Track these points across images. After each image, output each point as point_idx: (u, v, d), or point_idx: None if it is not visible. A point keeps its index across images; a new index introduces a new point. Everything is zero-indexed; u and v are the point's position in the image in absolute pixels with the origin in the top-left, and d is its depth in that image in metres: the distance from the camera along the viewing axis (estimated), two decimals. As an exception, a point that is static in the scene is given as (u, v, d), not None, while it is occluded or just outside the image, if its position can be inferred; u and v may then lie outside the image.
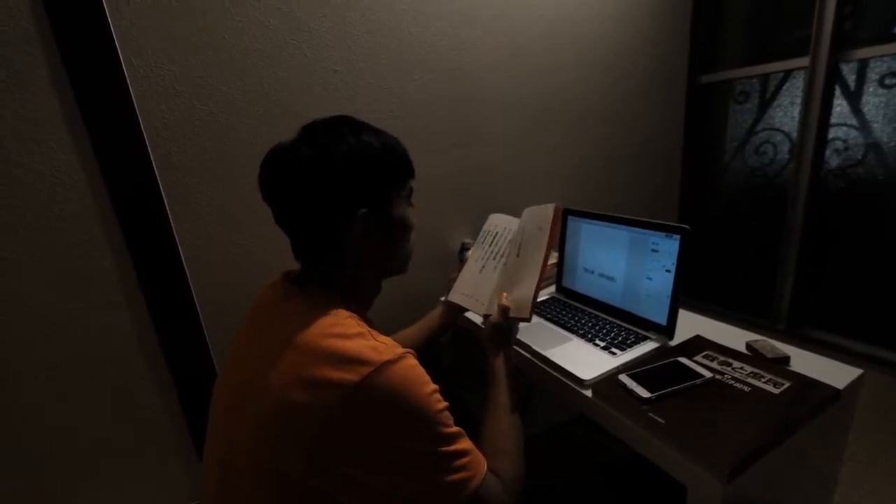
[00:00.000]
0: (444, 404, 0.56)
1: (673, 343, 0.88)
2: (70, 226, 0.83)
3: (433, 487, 0.54)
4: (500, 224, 0.98)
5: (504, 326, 0.79)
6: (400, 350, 0.54)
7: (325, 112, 0.98)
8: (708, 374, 0.73)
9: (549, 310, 1.07)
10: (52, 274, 0.82)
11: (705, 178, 1.85)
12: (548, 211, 0.83)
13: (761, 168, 1.69)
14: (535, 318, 1.04)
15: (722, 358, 0.80)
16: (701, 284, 1.91)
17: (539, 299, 1.13)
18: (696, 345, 0.86)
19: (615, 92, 1.55)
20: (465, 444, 0.57)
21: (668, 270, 0.88)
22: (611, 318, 0.99)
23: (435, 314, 1.01)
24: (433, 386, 0.56)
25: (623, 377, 0.75)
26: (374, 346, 0.53)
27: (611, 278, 1.01)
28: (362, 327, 0.56)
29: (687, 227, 0.84)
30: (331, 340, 0.53)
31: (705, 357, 0.81)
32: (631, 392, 0.71)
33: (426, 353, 1.03)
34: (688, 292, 1.94)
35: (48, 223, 0.81)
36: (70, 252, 0.83)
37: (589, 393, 0.76)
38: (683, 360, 0.78)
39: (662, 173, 1.81)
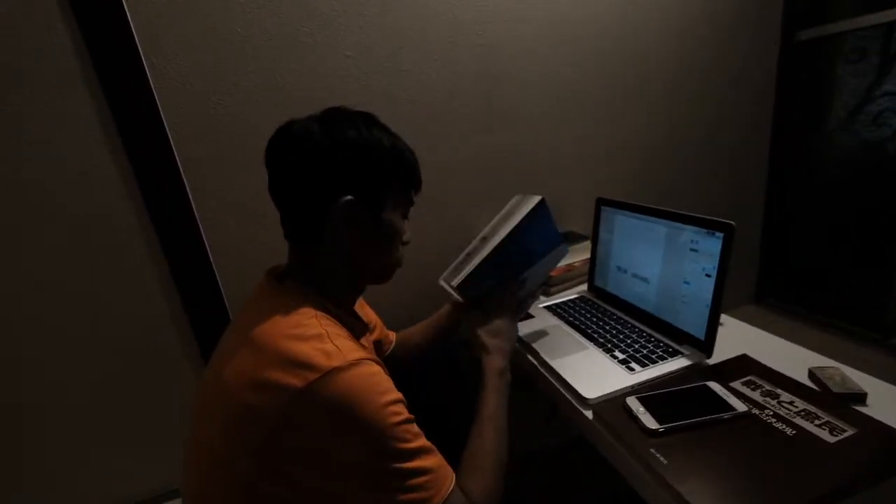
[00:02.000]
0: (401, 417, 0.51)
1: (711, 361, 0.73)
2: (105, 216, 0.91)
3: (397, 492, 0.50)
4: (507, 206, 0.89)
5: (492, 323, 0.73)
6: (355, 356, 0.51)
7: (338, 100, 0.98)
8: (741, 408, 0.59)
9: (571, 311, 0.96)
10: (90, 260, 0.91)
11: (801, 158, 1.53)
12: (530, 202, 0.73)
13: (880, 143, 1.35)
14: (552, 320, 0.94)
15: (768, 387, 0.64)
16: (795, 284, 1.61)
17: (565, 298, 1.02)
18: (740, 366, 0.70)
19: (678, 60, 1.32)
20: (428, 461, 0.53)
21: (707, 275, 0.73)
22: (640, 326, 0.86)
23: (442, 312, 0.96)
24: (392, 397, 0.52)
25: (631, 400, 0.64)
26: (327, 350, 0.50)
27: (644, 280, 0.88)
28: (324, 329, 0.53)
29: (731, 223, 0.68)
30: (285, 342, 0.51)
31: (746, 384, 0.66)
32: (636, 419, 0.60)
33: (443, 351, 1.00)
34: (776, 293, 1.65)
35: (87, 212, 0.89)
36: (107, 240, 0.92)
37: (589, 414, 0.66)
38: (714, 385, 0.65)
39: (742, 158, 1.54)
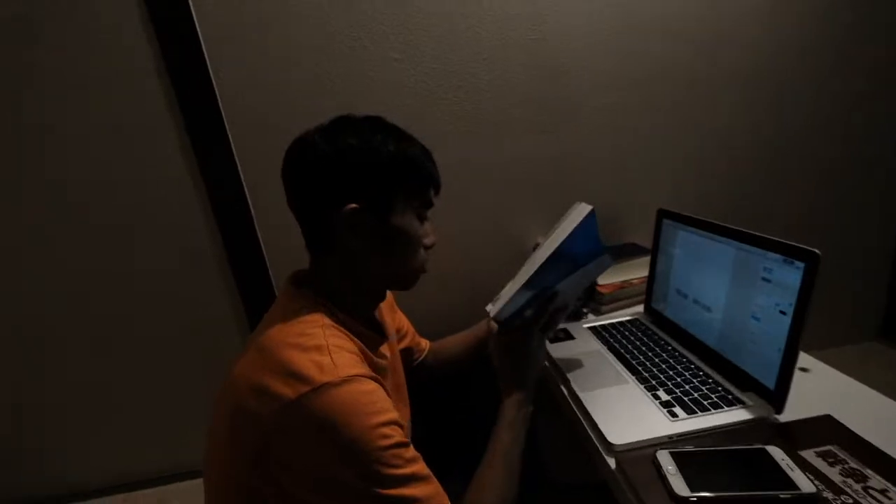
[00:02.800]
0: (391, 441, 0.49)
1: (780, 418, 0.60)
2: (177, 207, 1.01)
3: None
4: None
5: (515, 345, 0.67)
6: (349, 372, 0.49)
7: (384, 105, 0.98)
8: (808, 487, 0.47)
9: (618, 335, 0.86)
10: (162, 243, 1.03)
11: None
12: (577, 214, 0.64)
13: None
14: (594, 344, 0.85)
15: (853, 464, 0.50)
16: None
17: (616, 319, 0.92)
18: (820, 430, 0.56)
19: (771, 50, 1.12)
20: (418, 490, 0.49)
21: (782, 312, 0.59)
22: (697, 362, 0.73)
23: (481, 324, 0.92)
24: (384, 418, 0.49)
25: (662, 454, 0.54)
26: (322, 364, 0.49)
27: (707, 308, 0.75)
28: (326, 340, 0.53)
29: (815, 251, 0.55)
30: (286, 350, 0.51)
31: (823, 455, 0.52)
32: (664, 479, 0.51)
33: (480, 365, 0.96)
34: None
35: (164, 202, 1.01)
36: (177, 226, 1.03)
37: (612, 462, 0.57)
38: (776, 451, 0.52)
39: (864, 169, 1.26)
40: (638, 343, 0.82)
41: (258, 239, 1.04)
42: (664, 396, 0.66)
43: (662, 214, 0.87)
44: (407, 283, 0.66)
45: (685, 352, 0.77)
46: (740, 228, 0.67)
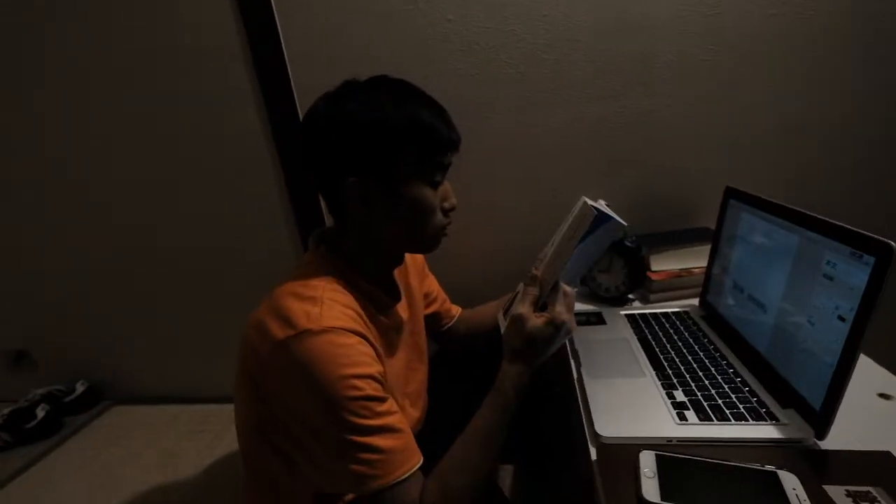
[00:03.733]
0: (360, 393, 0.51)
1: (823, 444, 0.49)
2: (253, 170, 1.15)
3: (332, 467, 0.53)
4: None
5: (525, 323, 0.59)
6: (331, 324, 0.52)
7: (434, 69, 0.97)
8: (811, 526, 0.38)
9: (657, 327, 0.77)
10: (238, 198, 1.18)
11: None
12: (583, 221, 0.57)
13: None
14: (625, 331, 0.77)
15: (895, 514, 0.40)
16: None
17: (664, 309, 0.82)
18: (869, 467, 0.45)
19: None
20: (384, 441, 0.52)
21: (841, 318, 0.47)
22: (738, 368, 0.63)
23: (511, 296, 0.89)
24: (356, 370, 0.51)
25: (646, 455, 0.48)
26: (311, 312, 0.52)
27: (762, 307, 0.63)
28: (323, 293, 0.56)
29: (890, 243, 0.42)
30: (287, 297, 0.55)
31: (856, 495, 0.42)
32: (637, 480, 0.46)
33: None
34: None
35: (243, 164, 1.15)
36: (253, 187, 1.17)
37: (594, 454, 0.53)
38: (788, 478, 0.43)
39: None
40: (676, 338, 0.73)
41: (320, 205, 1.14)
42: (680, 397, 0.58)
43: (729, 193, 0.74)
44: (426, 248, 0.65)
45: (729, 354, 0.66)
46: (807, 212, 0.54)
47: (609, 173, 1.03)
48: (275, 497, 0.63)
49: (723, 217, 0.75)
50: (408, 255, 0.78)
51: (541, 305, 0.60)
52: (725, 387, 0.59)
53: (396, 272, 0.73)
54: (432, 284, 0.91)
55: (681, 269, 0.88)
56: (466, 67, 0.98)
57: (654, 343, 0.72)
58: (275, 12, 0.99)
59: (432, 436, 0.63)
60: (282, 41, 1.01)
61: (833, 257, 0.49)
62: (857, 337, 0.45)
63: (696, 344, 0.70)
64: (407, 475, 0.53)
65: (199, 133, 1.14)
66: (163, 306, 1.37)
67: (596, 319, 0.83)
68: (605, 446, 0.53)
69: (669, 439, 0.52)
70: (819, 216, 0.52)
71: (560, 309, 0.58)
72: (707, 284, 0.80)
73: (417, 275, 0.84)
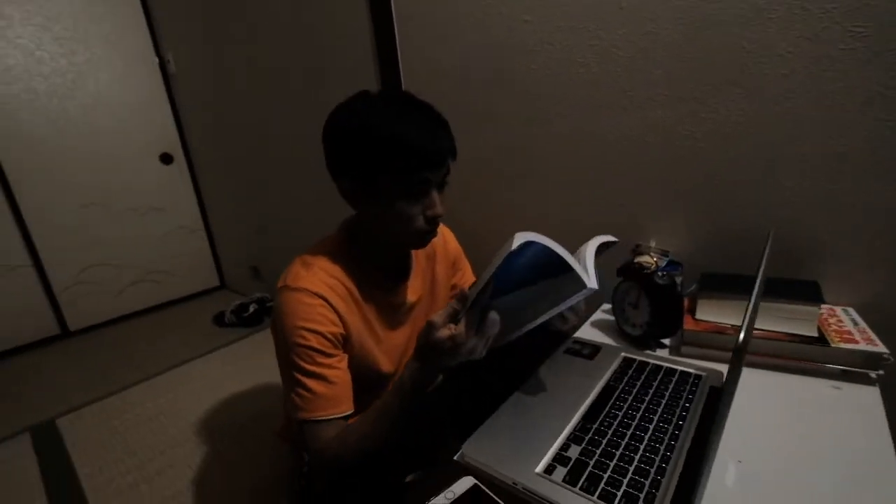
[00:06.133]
0: (307, 343, 0.65)
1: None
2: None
3: (285, 392, 0.68)
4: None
5: (438, 341, 0.56)
6: (303, 284, 0.67)
7: (507, 72, 1.00)
8: None
9: (647, 383, 0.64)
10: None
11: None
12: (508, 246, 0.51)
13: None
14: (604, 372, 0.68)
15: None
16: None
17: (684, 368, 0.69)
18: None
19: None
20: (315, 385, 0.65)
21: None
22: (677, 451, 0.50)
23: None
24: (309, 325, 0.65)
25: (465, 480, 0.48)
26: (298, 274, 0.69)
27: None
28: (316, 261, 0.71)
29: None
30: (298, 260, 0.73)
31: None
32: (436, 494, 0.47)
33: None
34: None
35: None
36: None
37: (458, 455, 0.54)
38: None
39: None
40: (649, 399, 0.60)
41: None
42: (572, 453, 0.52)
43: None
44: (410, 247, 0.74)
45: (688, 432, 0.52)
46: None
47: (684, 190, 0.85)
48: (286, 414, 0.85)
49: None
50: (439, 246, 0.87)
51: (457, 320, 0.57)
52: (632, 465, 0.49)
53: (419, 258, 0.82)
54: (464, 279, 0.95)
55: (731, 325, 0.69)
56: (539, 67, 0.96)
57: (617, 394, 0.62)
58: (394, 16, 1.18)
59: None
60: (396, 40, 1.19)
61: None
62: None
63: (665, 413, 0.57)
64: (325, 418, 0.65)
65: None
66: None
67: (588, 353, 0.74)
68: (458, 462, 0.54)
69: (515, 482, 0.49)
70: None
71: (464, 330, 0.55)
72: (736, 351, 0.61)
73: (448, 266, 0.90)
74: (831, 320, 0.66)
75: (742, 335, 0.30)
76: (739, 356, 0.31)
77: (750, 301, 0.36)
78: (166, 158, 2.43)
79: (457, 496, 0.46)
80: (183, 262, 2.60)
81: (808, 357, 0.61)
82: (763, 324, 0.67)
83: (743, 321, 0.33)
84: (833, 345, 0.61)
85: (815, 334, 0.63)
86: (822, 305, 0.70)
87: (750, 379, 0.63)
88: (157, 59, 2.35)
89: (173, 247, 2.55)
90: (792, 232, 0.75)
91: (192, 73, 2.18)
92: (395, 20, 1.17)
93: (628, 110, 0.87)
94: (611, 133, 0.90)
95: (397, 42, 1.18)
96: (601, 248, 0.64)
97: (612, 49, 0.85)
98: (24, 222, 2.08)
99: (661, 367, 0.67)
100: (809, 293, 0.66)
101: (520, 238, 0.50)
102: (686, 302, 0.79)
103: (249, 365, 1.74)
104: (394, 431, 0.63)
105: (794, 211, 0.74)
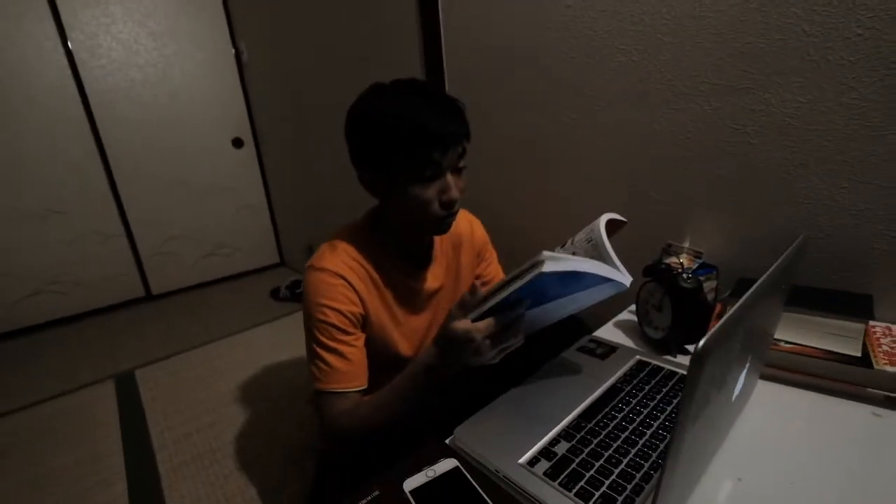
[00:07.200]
0: (326, 319, 0.70)
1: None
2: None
3: (308, 361, 0.73)
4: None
5: (453, 332, 0.56)
6: (326, 265, 0.72)
7: (550, 60, 0.98)
8: None
9: (654, 387, 0.62)
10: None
11: None
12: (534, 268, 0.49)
13: None
14: (612, 373, 0.66)
15: None
16: None
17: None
18: None
19: None
20: (331, 359, 0.70)
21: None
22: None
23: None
24: (328, 303, 0.70)
25: (447, 461, 0.49)
26: (323, 254, 0.74)
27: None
28: (340, 244, 0.75)
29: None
30: (327, 242, 0.78)
31: None
32: (418, 471, 0.49)
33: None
34: None
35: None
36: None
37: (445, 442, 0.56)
38: None
39: None
40: (651, 401, 0.58)
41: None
42: (559, 449, 0.51)
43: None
44: (429, 233, 0.76)
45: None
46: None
47: (726, 188, 0.79)
48: None
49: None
50: (466, 235, 0.88)
51: (476, 317, 0.56)
52: (617, 468, 0.48)
53: (443, 246, 0.84)
54: (489, 269, 0.95)
55: (816, 349, 0.63)
56: (580, 56, 0.93)
57: (621, 397, 0.60)
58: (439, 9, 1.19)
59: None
60: (441, 25, 1.21)
61: None
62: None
63: (668, 420, 0.55)
64: (339, 391, 0.70)
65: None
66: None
67: (601, 353, 0.72)
68: (448, 446, 0.55)
69: (497, 469, 0.50)
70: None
71: (481, 327, 0.54)
72: (759, 364, 0.57)
73: (474, 256, 0.91)
74: (883, 340, 0.59)
75: (705, 339, 0.28)
76: (699, 363, 0.29)
77: (737, 303, 0.33)
78: (238, 143, 2.64)
79: (437, 475, 0.48)
80: (248, 239, 2.83)
81: (846, 378, 0.55)
82: (799, 337, 0.61)
83: (721, 321, 0.31)
84: (877, 367, 0.54)
85: (858, 354, 0.56)
86: (877, 323, 0.62)
87: (774, 394, 0.58)
88: (233, 50, 2.54)
89: (241, 224, 2.78)
90: (847, 239, 0.67)
91: (260, 61, 2.34)
92: (440, 9, 1.18)
93: (670, 102, 0.81)
94: (653, 124, 0.85)
95: (441, 29, 1.19)
96: (609, 229, 0.62)
97: (660, 35, 0.80)
98: (120, 197, 2.37)
99: (675, 373, 0.64)
100: (858, 307, 0.59)
101: (550, 265, 0.47)
102: (718, 307, 0.73)
103: (295, 337, 1.87)
104: (405, 411, 0.65)
105: (851, 217, 0.66)
